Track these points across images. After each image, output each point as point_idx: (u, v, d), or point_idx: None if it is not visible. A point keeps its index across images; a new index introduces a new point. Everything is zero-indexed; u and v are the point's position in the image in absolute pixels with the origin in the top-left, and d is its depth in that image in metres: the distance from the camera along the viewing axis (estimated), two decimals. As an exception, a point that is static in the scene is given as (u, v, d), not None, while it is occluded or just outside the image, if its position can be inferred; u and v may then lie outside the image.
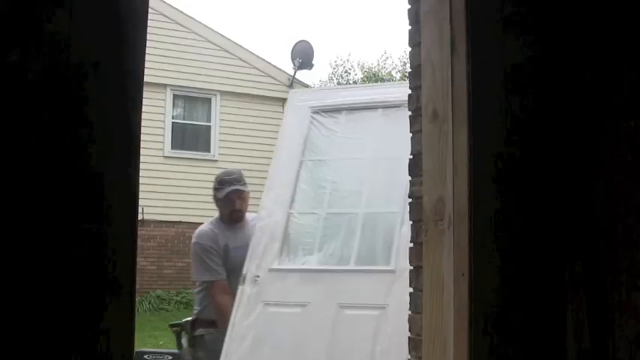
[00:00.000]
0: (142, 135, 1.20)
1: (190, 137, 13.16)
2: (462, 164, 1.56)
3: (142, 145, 1.20)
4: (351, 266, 3.65)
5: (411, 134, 1.92)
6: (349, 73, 24.09)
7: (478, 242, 1.53)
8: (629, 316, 1.67)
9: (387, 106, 3.94)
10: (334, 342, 3.45)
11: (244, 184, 3.89)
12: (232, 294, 3.67)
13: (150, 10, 1.28)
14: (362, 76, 23.14)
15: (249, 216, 4.00)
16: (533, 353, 1.57)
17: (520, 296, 1.56)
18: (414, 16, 1.89)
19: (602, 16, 1.71)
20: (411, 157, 1.90)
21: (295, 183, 3.93)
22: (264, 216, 3.96)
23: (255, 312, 3.62)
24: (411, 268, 1.88)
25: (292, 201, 3.90)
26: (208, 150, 13.05)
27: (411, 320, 1.85)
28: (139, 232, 1.21)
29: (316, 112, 4.12)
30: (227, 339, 3.50)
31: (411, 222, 1.89)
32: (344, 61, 28.15)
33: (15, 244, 1.07)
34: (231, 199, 3.81)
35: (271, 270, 3.69)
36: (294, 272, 3.72)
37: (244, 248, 3.78)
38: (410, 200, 1.92)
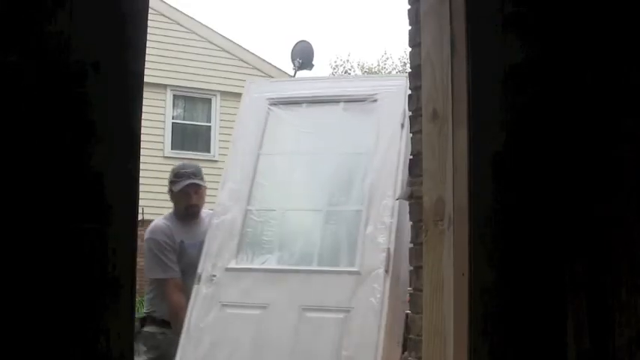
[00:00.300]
0: (142, 135, 1.20)
1: (190, 137, 13.16)
2: (462, 164, 1.56)
3: (142, 145, 1.20)
4: (314, 267, 3.47)
5: (411, 134, 1.92)
6: (349, 73, 24.11)
7: (478, 242, 1.53)
8: (630, 316, 1.67)
9: (350, 100, 3.79)
10: (297, 346, 3.28)
11: (201, 178, 3.71)
12: (187, 293, 3.50)
13: (150, 10, 1.28)
14: (362, 76, 23.14)
15: (204, 212, 3.82)
16: (533, 353, 1.56)
17: (520, 296, 1.56)
18: (414, 16, 1.89)
19: (602, 15, 1.71)
20: (411, 157, 1.90)
21: (253, 178, 3.73)
22: (219, 212, 3.73)
23: (212, 313, 3.43)
24: (411, 268, 1.88)
25: (250, 197, 3.69)
26: (208, 150, 13.04)
27: (411, 320, 1.85)
28: (138, 232, 1.21)
29: (274, 104, 3.89)
30: (182, 341, 3.32)
31: (411, 222, 1.89)
32: (344, 61, 28.17)
33: (16, 244, 1.07)
34: (187, 193, 3.64)
35: (228, 269, 3.50)
36: (253, 272, 3.52)
37: (200, 245, 3.61)
38: (411, 200, 1.92)
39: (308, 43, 11.97)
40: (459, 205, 1.56)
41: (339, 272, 3.37)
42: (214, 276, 3.49)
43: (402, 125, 3.51)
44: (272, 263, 3.54)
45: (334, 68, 24.20)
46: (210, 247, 3.60)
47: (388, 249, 3.19)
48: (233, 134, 4.19)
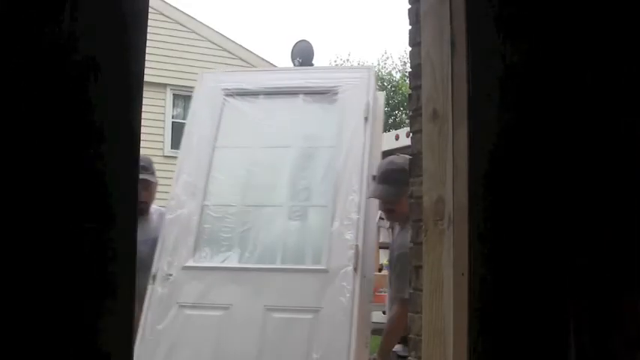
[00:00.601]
0: (142, 135, 1.21)
1: (190, 137, 13.15)
2: (462, 164, 1.56)
3: (142, 145, 1.20)
4: (278, 265, 3.27)
5: (411, 134, 1.92)
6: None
7: (478, 242, 1.53)
8: (630, 317, 1.67)
9: (310, 92, 3.60)
10: (263, 349, 3.06)
11: (152, 173, 3.53)
12: (139, 293, 3.23)
13: (150, 10, 1.28)
14: (362, 75, 23.16)
15: (153, 208, 3.63)
16: (533, 353, 1.57)
17: (520, 296, 1.56)
18: (414, 16, 1.89)
19: (602, 14, 1.71)
20: (411, 157, 1.90)
21: (208, 171, 3.51)
22: (173, 207, 3.51)
23: (170, 314, 3.20)
24: (411, 268, 1.89)
25: (206, 191, 3.49)
26: (208, 150, 13.03)
27: (410, 320, 1.85)
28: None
29: (230, 95, 3.68)
30: (137, 343, 3.09)
31: (411, 222, 1.89)
32: (344, 61, 28.18)
33: (17, 243, 1.07)
34: None
35: (186, 268, 3.27)
36: (213, 271, 3.28)
37: (149, 243, 3.42)
38: (411, 200, 1.92)
39: (308, 42, 11.95)
40: (459, 205, 1.57)
41: (306, 270, 3.21)
42: (170, 275, 3.30)
43: (366, 119, 3.40)
44: (233, 261, 3.31)
45: (334, 68, 24.17)
46: (165, 244, 3.40)
47: (357, 246, 3.09)
48: (186, 126, 3.89)
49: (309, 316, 3.06)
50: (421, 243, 1.73)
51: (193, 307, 3.20)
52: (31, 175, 1.10)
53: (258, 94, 3.66)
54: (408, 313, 1.89)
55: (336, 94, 3.53)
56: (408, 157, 3.26)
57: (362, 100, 3.46)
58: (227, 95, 3.70)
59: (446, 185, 1.61)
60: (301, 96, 3.59)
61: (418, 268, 1.78)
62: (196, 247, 3.36)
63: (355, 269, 3.02)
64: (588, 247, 1.66)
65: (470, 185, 1.54)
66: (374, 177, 3.21)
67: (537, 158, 1.63)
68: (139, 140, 1.20)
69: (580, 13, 1.69)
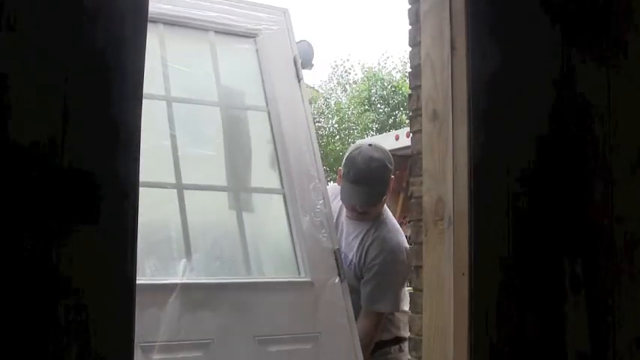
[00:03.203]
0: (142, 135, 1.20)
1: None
2: (462, 164, 1.56)
3: (142, 145, 1.20)
4: (254, 277, 2.43)
5: (411, 134, 1.92)
6: (349, 73, 24.11)
7: (478, 242, 1.53)
8: (630, 316, 1.67)
9: (223, 31, 2.67)
10: None
11: None
12: None
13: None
14: (362, 76, 23.13)
15: None
16: (533, 353, 1.57)
17: (520, 296, 1.56)
18: (414, 16, 1.89)
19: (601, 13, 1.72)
20: (411, 156, 1.90)
21: None
22: None
23: None
24: (412, 267, 1.88)
25: None
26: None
27: (411, 320, 1.85)
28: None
29: None
30: None
31: (411, 222, 1.89)
32: (344, 61, 28.20)
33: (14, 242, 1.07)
34: None
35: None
36: (170, 290, 2.18)
37: None
38: (411, 200, 1.92)
39: (308, 43, 11.95)
40: (458, 205, 1.57)
41: (289, 284, 2.44)
42: None
43: (300, 79, 2.72)
44: (190, 274, 2.28)
45: (334, 68, 24.22)
46: None
47: (336, 251, 2.51)
48: None
49: (308, 346, 2.40)
50: (421, 243, 1.72)
51: (163, 349, 2.13)
52: (28, 175, 1.10)
53: (156, 22, 2.52)
54: (409, 313, 1.89)
55: (254, 37, 2.71)
56: (382, 147, 2.79)
57: (287, 53, 2.73)
58: None
59: (446, 185, 1.61)
60: (212, 34, 2.64)
61: (418, 268, 1.78)
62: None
63: (342, 279, 2.47)
64: (589, 248, 1.66)
65: (470, 185, 1.54)
66: (347, 174, 2.69)
67: (538, 158, 1.63)
68: (138, 140, 1.20)
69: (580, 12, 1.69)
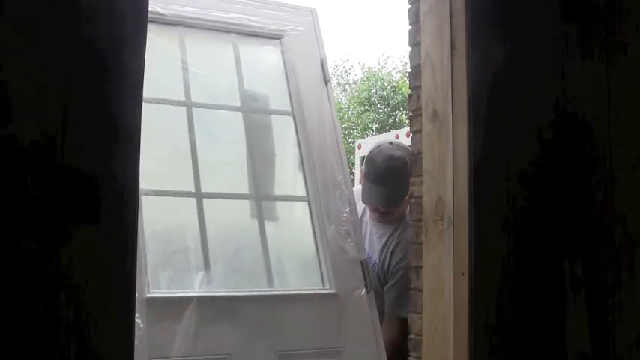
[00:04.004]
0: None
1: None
2: (462, 164, 1.56)
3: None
4: (276, 290, 2.31)
5: (411, 134, 1.92)
6: (349, 73, 24.12)
7: (478, 242, 1.53)
8: (630, 316, 1.67)
9: (245, 33, 2.55)
10: None
11: None
12: None
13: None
14: (362, 76, 23.14)
15: None
16: (533, 353, 1.57)
17: (520, 296, 1.56)
18: (414, 16, 1.89)
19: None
20: (411, 156, 1.90)
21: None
22: None
23: None
24: (412, 266, 1.88)
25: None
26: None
27: (411, 320, 1.85)
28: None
29: None
30: None
31: (411, 221, 1.89)
32: (344, 61, 28.23)
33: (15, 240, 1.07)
34: None
35: (148, 301, 2.02)
36: (187, 302, 2.09)
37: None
38: (411, 200, 1.92)
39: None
40: (458, 205, 1.57)
41: (312, 296, 2.33)
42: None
43: (327, 82, 2.60)
44: (209, 285, 2.18)
45: (334, 68, 24.23)
46: None
47: (363, 261, 2.40)
48: None
49: None
50: (421, 243, 1.72)
51: None
52: (28, 175, 1.10)
53: (176, 24, 2.43)
54: (409, 313, 1.89)
55: (279, 39, 2.60)
56: (403, 145, 2.68)
57: (314, 55, 2.62)
58: None
59: (446, 185, 1.61)
60: (234, 35, 2.54)
61: (418, 268, 1.78)
62: (144, 266, 2.08)
63: (368, 290, 2.36)
64: (589, 248, 1.66)
65: (470, 185, 1.54)
66: (367, 174, 2.61)
67: (538, 158, 1.63)
68: (138, 140, 1.20)
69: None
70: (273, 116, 2.58)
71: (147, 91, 2.14)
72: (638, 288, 1.69)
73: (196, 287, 2.17)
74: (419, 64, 1.79)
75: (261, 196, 2.42)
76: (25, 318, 1.07)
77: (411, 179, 1.90)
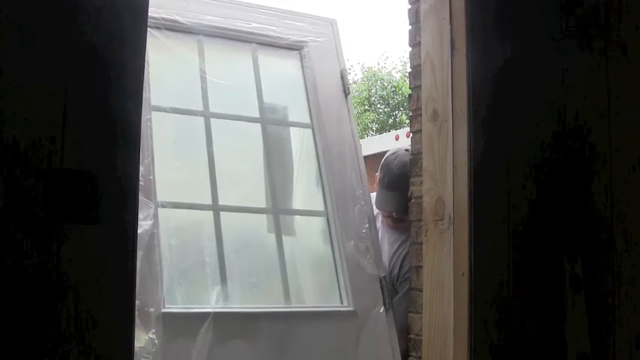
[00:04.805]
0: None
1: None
2: (462, 164, 1.56)
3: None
4: (292, 306, 2.24)
5: (411, 134, 1.92)
6: (349, 73, 24.06)
7: (478, 242, 1.53)
8: (629, 316, 1.67)
9: (266, 43, 2.53)
10: None
11: None
12: None
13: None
14: (362, 76, 23.14)
15: None
16: (533, 352, 1.56)
17: (520, 296, 1.56)
18: (414, 16, 1.89)
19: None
20: (411, 156, 1.90)
21: (150, 150, 2.14)
22: None
23: None
24: (412, 266, 1.88)
25: (154, 183, 2.12)
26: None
27: (411, 320, 1.85)
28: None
29: (156, 27, 2.35)
30: None
31: (411, 221, 1.89)
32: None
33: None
34: None
35: (165, 316, 1.95)
36: (197, 319, 2.03)
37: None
38: (411, 200, 1.92)
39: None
40: (458, 205, 1.56)
41: (330, 314, 2.28)
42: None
43: (347, 94, 2.57)
44: (224, 302, 2.14)
45: (334, 68, 24.18)
46: None
47: (382, 278, 2.33)
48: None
49: None
50: (421, 243, 1.72)
51: None
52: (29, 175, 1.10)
53: (197, 33, 2.43)
54: (409, 313, 1.89)
55: (299, 50, 2.58)
56: None
57: (334, 66, 2.60)
58: (152, 27, 2.33)
59: (446, 185, 1.61)
60: (254, 46, 2.52)
61: (418, 268, 1.78)
62: (164, 278, 2.05)
63: (387, 308, 2.29)
64: (588, 248, 1.66)
65: (470, 185, 1.54)
66: (382, 180, 2.59)
67: (538, 157, 1.63)
68: (139, 139, 1.20)
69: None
70: (291, 128, 2.56)
71: (165, 101, 2.19)
72: (638, 289, 1.69)
73: (213, 303, 2.13)
74: (419, 64, 1.79)
75: (279, 210, 2.37)
76: (25, 319, 1.07)
77: (411, 179, 1.90)
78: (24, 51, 1.10)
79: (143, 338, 1.95)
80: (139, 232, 1.58)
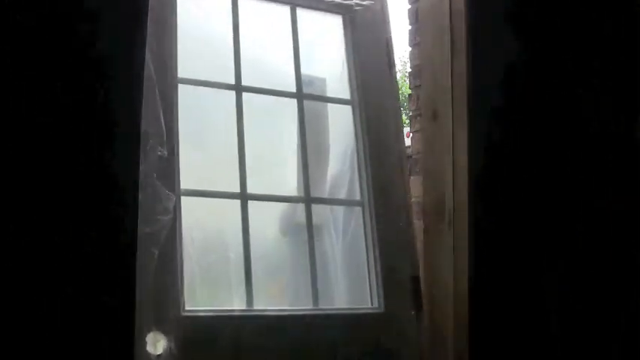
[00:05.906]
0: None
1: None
2: (462, 164, 1.56)
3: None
4: (323, 309, 2.03)
5: (411, 134, 1.92)
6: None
7: (478, 242, 1.53)
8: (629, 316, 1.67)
9: (305, 6, 2.19)
10: None
11: None
12: None
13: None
14: (362, 76, 23.11)
15: None
16: (533, 352, 1.57)
17: (520, 295, 1.56)
18: (414, 16, 1.89)
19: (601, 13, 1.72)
20: (412, 156, 1.90)
21: (175, 130, 1.80)
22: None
23: None
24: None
25: (177, 165, 1.83)
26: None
27: (411, 320, 1.85)
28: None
29: None
30: None
31: (412, 221, 1.89)
32: (344, 62, 28.14)
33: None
34: None
35: (186, 319, 1.77)
36: (220, 321, 1.86)
37: None
38: (411, 200, 1.92)
39: (308, 43, 11.92)
40: (459, 204, 1.56)
41: (359, 316, 2.06)
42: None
43: (391, 66, 2.23)
44: (249, 303, 1.94)
45: (334, 68, 24.18)
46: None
47: (415, 278, 2.01)
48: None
49: None
50: (421, 242, 1.73)
51: None
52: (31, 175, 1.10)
53: None
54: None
55: (342, 14, 2.25)
56: None
57: (379, 34, 2.23)
58: None
59: (446, 185, 1.61)
60: (289, 7, 2.21)
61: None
62: (183, 279, 1.83)
63: (418, 312, 2.00)
64: (584, 247, 1.66)
65: (470, 185, 1.54)
66: None
67: (537, 158, 1.63)
68: (138, 140, 1.20)
69: (579, 13, 1.69)
70: (330, 105, 2.24)
71: (191, 72, 1.88)
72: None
73: (237, 304, 1.94)
74: (419, 64, 1.79)
75: (311, 199, 2.10)
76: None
77: (411, 179, 1.90)
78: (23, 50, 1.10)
79: (161, 344, 1.76)
80: (154, 228, 1.57)
